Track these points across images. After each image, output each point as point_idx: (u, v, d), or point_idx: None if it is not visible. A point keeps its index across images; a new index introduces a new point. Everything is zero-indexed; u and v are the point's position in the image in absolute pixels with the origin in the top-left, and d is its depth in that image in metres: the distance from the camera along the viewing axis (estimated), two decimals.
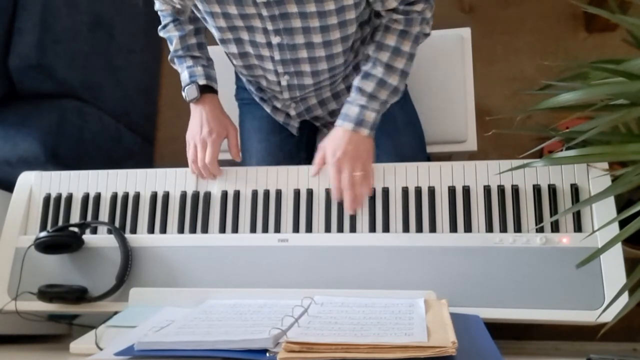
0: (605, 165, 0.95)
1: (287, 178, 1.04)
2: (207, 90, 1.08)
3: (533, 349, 1.33)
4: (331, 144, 1.01)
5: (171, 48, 1.11)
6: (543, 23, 1.98)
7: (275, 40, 0.97)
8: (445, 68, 1.33)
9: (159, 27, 1.12)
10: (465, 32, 1.35)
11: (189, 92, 1.08)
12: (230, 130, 1.09)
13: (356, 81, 1.02)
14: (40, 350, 1.08)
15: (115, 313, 0.94)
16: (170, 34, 1.10)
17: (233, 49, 1.03)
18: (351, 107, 1.01)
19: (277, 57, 1.01)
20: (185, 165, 1.08)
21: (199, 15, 1.00)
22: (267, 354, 0.66)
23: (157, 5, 1.10)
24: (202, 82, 1.08)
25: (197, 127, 1.07)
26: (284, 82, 1.08)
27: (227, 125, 1.09)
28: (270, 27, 0.95)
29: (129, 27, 1.87)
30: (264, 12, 0.92)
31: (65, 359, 0.84)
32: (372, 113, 1.00)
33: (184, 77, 1.09)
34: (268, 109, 1.22)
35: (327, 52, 1.00)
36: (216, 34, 1.01)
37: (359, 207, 0.99)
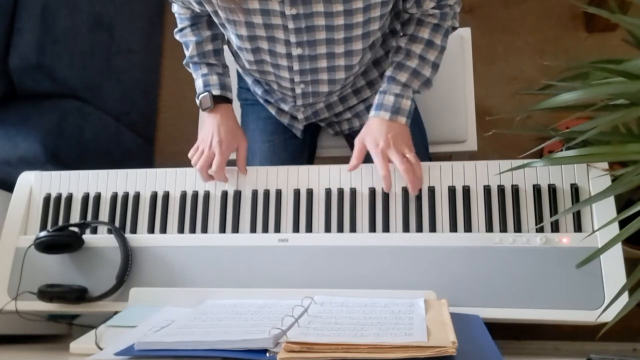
0: (605, 165, 0.95)
1: (287, 178, 1.04)
2: (221, 100, 1.08)
3: (533, 349, 1.33)
4: (370, 136, 0.99)
5: (187, 53, 1.10)
6: (543, 23, 1.98)
7: (296, 52, 0.96)
8: (445, 68, 1.32)
9: (175, 30, 1.11)
10: (465, 32, 1.35)
11: (202, 101, 1.07)
12: (241, 143, 1.07)
13: (389, 72, 1.02)
14: (40, 350, 1.08)
15: (115, 313, 0.94)
16: (187, 38, 1.09)
17: (249, 57, 1.02)
18: (386, 96, 1.01)
19: (295, 67, 1.00)
20: (185, 165, 1.08)
21: (217, 21, 0.99)
22: (267, 354, 0.66)
23: (175, 8, 1.09)
24: (216, 92, 1.07)
25: (208, 135, 1.06)
26: (298, 90, 1.07)
27: (239, 138, 1.08)
28: (293, 39, 0.94)
29: (129, 27, 1.87)
30: (290, 25, 0.91)
31: (65, 359, 0.84)
32: (407, 101, 1.00)
33: (198, 84, 1.09)
34: (273, 111, 1.22)
35: (347, 62, 1.00)
36: (235, 41, 1.00)
37: (420, 187, 0.98)
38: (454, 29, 1.07)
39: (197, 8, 1.00)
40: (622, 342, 1.32)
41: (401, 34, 1.05)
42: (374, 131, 0.99)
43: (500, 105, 1.88)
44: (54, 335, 1.31)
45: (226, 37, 1.07)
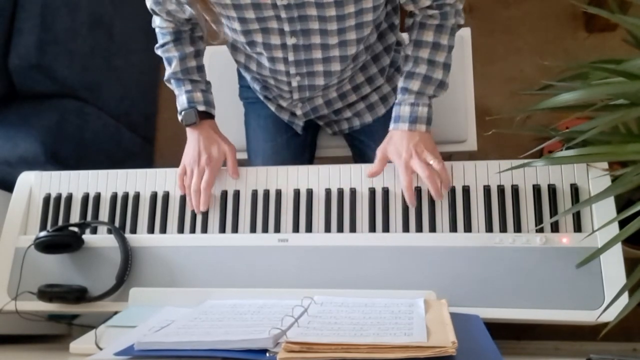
0: (605, 165, 0.95)
1: (287, 178, 1.04)
2: (205, 116, 1.09)
3: (533, 349, 1.33)
4: (393, 147, 1.00)
5: (169, 69, 1.09)
6: (543, 23, 1.98)
7: (290, 41, 0.96)
8: None
9: (157, 45, 1.10)
10: (465, 32, 1.35)
11: (186, 117, 1.08)
12: (228, 152, 1.07)
13: (401, 82, 1.02)
14: (40, 350, 1.08)
15: (115, 313, 0.94)
16: (170, 54, 1.09)
17: (246, 51, 1.02)
18: (401, 107, 1.01)
19: (290, 58, 1.00)
20: None
21: (210, 18, 0.99)
22: (267, 354, 0.66)
23: (158, 22, 1.08)
24: (201, 108, 1.08)
25: (195, 153, 1.06)
26: (294, 83, 1.07)
27: (225, 147, 1.08)
28: (287, 28, 0.94)
29: (129, 27, 1.87)
30: (283, 14, 0.91)
31: (65, 359, 0.84)
32: (424, 108, 1.00)
33: (182, 100, 1.09)
34: (272, 108, 1.22)
35: (342, 53, 1.00)
36: (230, 35, 1.00)
37: (445, 191, 0.97)
38: (460, 26, 1.05)
39: (186, 14, 1.00)
40: (622, 342, 1.32)
41: (407, 41, 1.04)
42: (396, 143, 0.99)
43: (500, 105, 1.88)
44: (54, 335, 1.31)
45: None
